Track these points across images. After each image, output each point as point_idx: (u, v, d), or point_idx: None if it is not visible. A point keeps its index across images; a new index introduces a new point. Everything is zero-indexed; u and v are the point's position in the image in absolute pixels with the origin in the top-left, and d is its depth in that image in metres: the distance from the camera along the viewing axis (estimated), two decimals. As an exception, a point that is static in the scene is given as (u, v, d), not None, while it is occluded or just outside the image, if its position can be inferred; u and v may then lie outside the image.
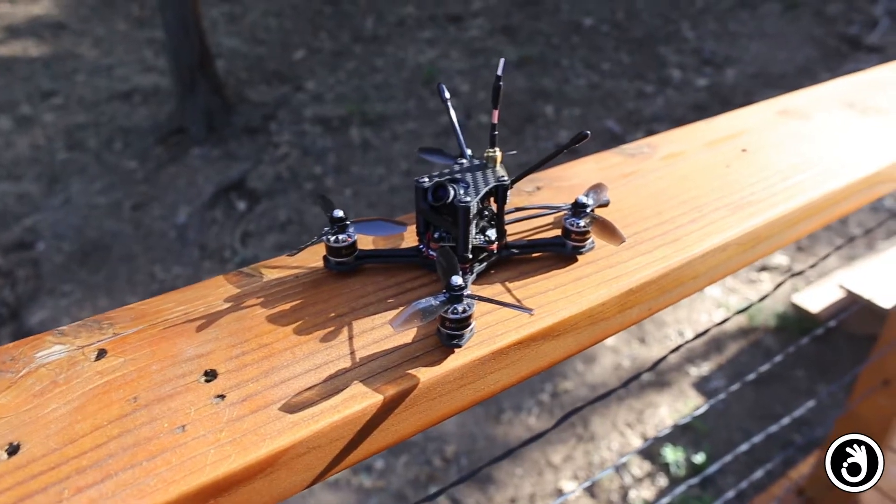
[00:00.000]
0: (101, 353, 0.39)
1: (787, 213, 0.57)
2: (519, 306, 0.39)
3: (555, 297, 0.44)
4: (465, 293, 0.37)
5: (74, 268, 3.13)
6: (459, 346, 0.38)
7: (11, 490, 0.31)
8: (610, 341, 2.57)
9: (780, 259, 2.88)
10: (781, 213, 0.56)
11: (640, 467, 2.13)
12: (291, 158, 3.67)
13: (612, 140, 3.62)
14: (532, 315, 0.41)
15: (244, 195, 3.46)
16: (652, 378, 2.42)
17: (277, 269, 0.46)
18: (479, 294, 0.39)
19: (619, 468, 2.13)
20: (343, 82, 4.29)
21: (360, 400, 0.36)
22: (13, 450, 0.33)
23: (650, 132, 3.58)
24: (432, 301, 0.37)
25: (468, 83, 4.16)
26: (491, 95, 0.44)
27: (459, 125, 0.47)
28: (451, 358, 0.38)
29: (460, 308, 0.37)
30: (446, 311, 0.37)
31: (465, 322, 0.38)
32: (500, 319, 0.41)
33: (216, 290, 0.45)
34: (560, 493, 2.07)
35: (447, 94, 0.46)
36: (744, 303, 2.67)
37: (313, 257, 0.47)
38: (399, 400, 0.37)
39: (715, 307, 2.66)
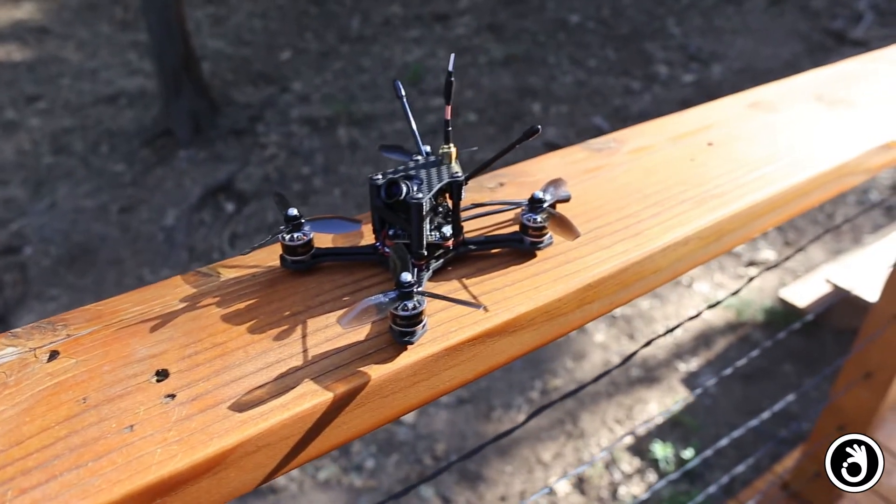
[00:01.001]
0: (54, 355, 0.39)
1: (752, 206, 0.57)
2: (471, 303, 0.39)
3: (511, 293, 0.44)
4: (415, 290, 0.37)
5: (62, 272, 3.11)
6: (411, 343, 0.38)
7: (-47, 493, 0.31)
8: (599, 337, 2.57)
9: (767, 254, 2.90)
10: (746, 205, 0.56)
11: (629, 463, 2.13)
12: (279, 159, 3.66)
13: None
14: (485, 311, 0.41)
15: (232, 197, 3.45)
16: (641, 374, 2.42)
17: (235, 268, 0.46)
18: (430, 291, 0.39)
19: (609, 464, 2.14)
20: (330, 82, 4.29)
21: (310, 398, 0.36)
22: (-42, 453, 0.33)
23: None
24: (382, 298, 0.37)
25: (455, 81, 4.15)
26: (444, 90, 0.43)
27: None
28: (403, 355, 0.38)
29: (410, 305, 0.37)
30: (396, 308, 0.37)
31: (415, 319, 0.38)
32: (455, 316, 0.41)
33: (173, 290, 0.44)
34: (551, 490, 2.08)
35: (402, 92, 0.45)
36: (732, 298, 2.68)
37: (271, 256, 0.47)
38: (350, 398, 0.37)
39: (703, 303, 2.67)
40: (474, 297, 0.43)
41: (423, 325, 0.39)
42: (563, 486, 2.09)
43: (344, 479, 2.14)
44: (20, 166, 3.75)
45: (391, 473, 2.15)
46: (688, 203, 0.55)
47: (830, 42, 4.31)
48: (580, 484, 2.09)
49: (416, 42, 4.71)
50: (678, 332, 2.59)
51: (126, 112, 4.16)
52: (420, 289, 0.38)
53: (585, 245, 0.48)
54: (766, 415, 1.14)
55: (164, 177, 3.60)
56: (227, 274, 0.46)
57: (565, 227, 0.44)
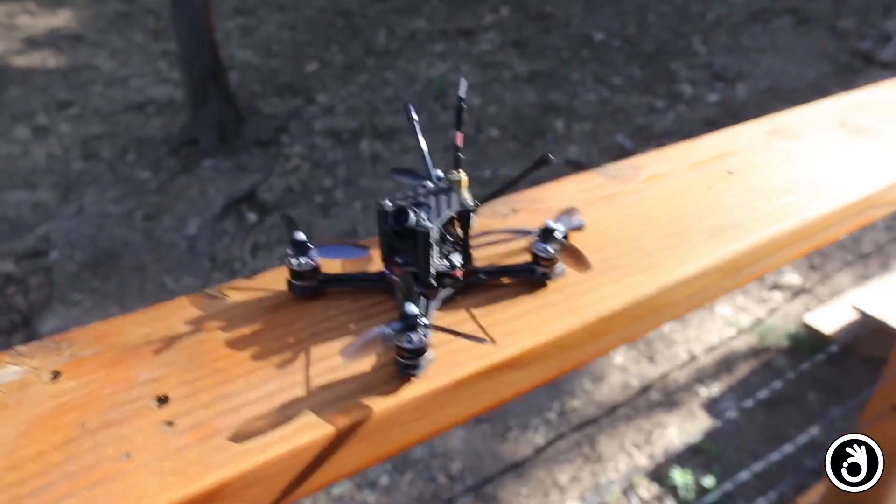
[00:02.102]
0: (56, 375, 0.39)
1: (772, 238, 0.55)
2: (477, 337, 0.38)
3: (520, 325, 0.43)
4: (420, 322, 0.36)
5: (86, 276, 3.16)
6: (415, 376, 0.38)
7: (-53, 518, 0.31)
8: (618, 359, 2.54)
9: (792, 278, 2.85)
10: (765, 237, 0.55)
11: (647, 489, 2.09)
12: (302, 171, 3.68)
13: (622, 156, 3.60)
14: (493, 345, 0.40)
15: (255, 207, 3.48)
16: (661, 398, 2.38)
17: (241, 290, 0.46)
18: (437, 324, 0.38)
19: (627, 490, 2.10)
20: (354, 95, 4.32)
21: (311, 430, 0.35)
22: (-46, 476, 0.33)
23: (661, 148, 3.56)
24: (386, 330, 0.36)
25: (479, 97, 4.17)
26: (455, 117, 0.43)
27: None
28: (406, 388, 0.38)
29: (415, 337, 0.36)
30: (401, 341, 0.36)
31: (420, 351, 0.37)
32: (462, 348, 0.40)
33: (179, 312, 0.44)
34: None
35: (415, 115, 0.45)
36: (755, 322, 2.63)
37: (278, 280, 0.46)
38: (351, 431, 0.36)
39: (725, 326, 2.63)
40: (483, 329, 0.42)
41: (428, 358, 0.38)
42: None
43: (358, 495, 2.13)
44: (50, 171, 3.82)
45: (405, 491, 2.13)
46: (705, 234, 0.54)
47: (858, 63, 4.25)
48: (596, 508, 2.06)
49: (440, 57, 4.73)
50: (699, 355, 2.55)
51: (154, 120, 4.22)
52: (425, 321, 0.37)
53: (598, 277, 0.47)
54: (789, 448, 1.11)
55: (188, 185, 3.64)
56: (234, 297, 0.45)
57: (577, 258, 0.43)
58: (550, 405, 2.36)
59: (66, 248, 3.31)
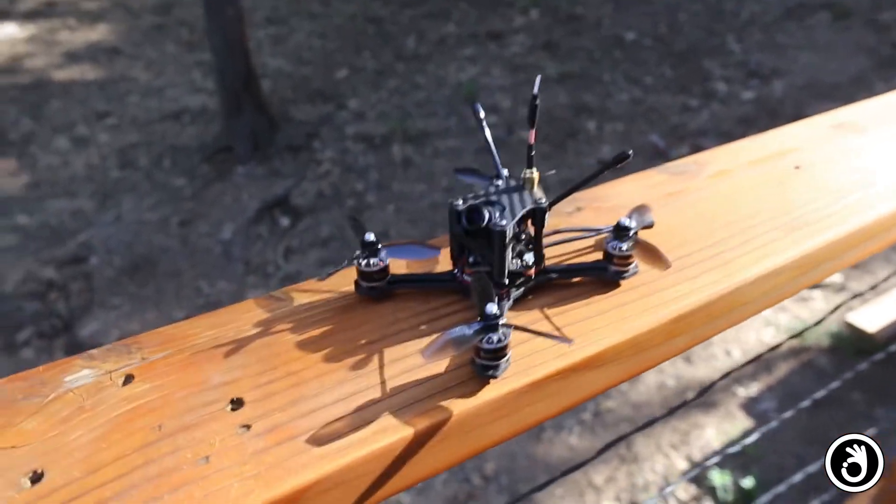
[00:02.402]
0: (129, 379, 0.39)
1: (848, 234, 0.53)
2: (557, 336, 0.37)
3: (597, 324, 0.41)
4: (500, 322, 0.35)
5: (124, 282, 3.21)
6: (495, 378, 0.36)
7: (32, 522, 0.31)
8: (655, 361, 2.50)
9: (833, 276, 2.78)
10: (839, 234, 0.53)
11: (685, 490, 2.05)
12: (334, 175, 3.71)
13: (656, 156, 3.56)
14: (571, 345, 0.39)
15: (287, 212, 3.51)
16: (698, 399, 2.34)
17: (308, 292, 0.45)
18: (515, 323, 0.37)
19: (664, 492, 2.06)
20: (385, 100, 4.33)
21: (391, 433, 0.34)
22: (36, 478, 0.32)
23: (695, 147, 3.51)
24: (466, 330, 0.35)
25: (509, 99, 4.15)
26: (529, 113, 0.42)
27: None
28: (485, 389, 0.37)
29: (495, 338, 0.35)
30: (481, 341, 0.35)
31: (500, 352, 0.36)
32: (538, 349, 0.39)
33: (246, 315, 0.44)
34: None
35: (482, 114, 0.44)
36: (794, 321, 2.57)
37: (344, 281, 0.46)
38: (431, 433, 0.35)
39: (763, 326, 2.57)
40: (558, 329, 0.41)
41: (507, 359, 0.37)
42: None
43: (392, 497, 2.12)
44: (89, 180, 3.90)
45: (439, 492, 2.12)
46: (778, 231, 0.52)
47: (901, 57, 4.14)
48: (636, 512, 2.02)
49: (470, 60, 4.73)
50: (737, 355, 2.50)
51: (189, 129, 4.29)
52: (504, 321, 0.36)
53: (671, 275, 0.46)
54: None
55: (222, 191, 3.69)
56: (301, 299, 0.45)
57: (654, 256, 0.42)
58: (585, 405, 2.33)
59: (104, 255, 3.37)
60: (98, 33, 5.78)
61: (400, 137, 3.91)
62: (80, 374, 0.39)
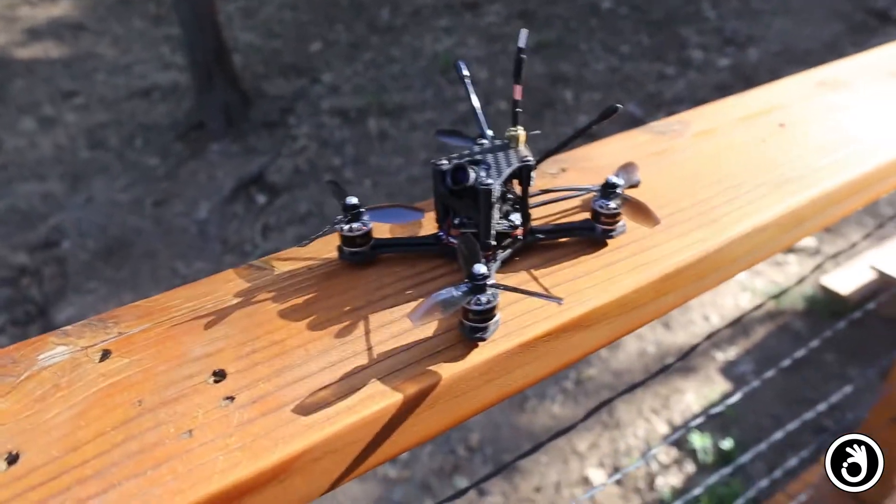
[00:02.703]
0: (106, 354, 0.37)
1: (832, 190, 0.53)
2: (547, 295, 0.36)
3: (585, 284, 0.41)
4: (488, 283, 0.34)
5: (99, 265, 3.15)
6: (483, 340, 0.36)
7: (9, 503, 0.29)
8: (635, 328, 2.52)
9: (807, 241, 2.81)
10: (825, 189, 0.52)
11: (666, 454, 2.09)
12: (310, 151, 3.66)
13: (632, 124, 3.55)
14: (561, 304, 0.38)
15: (264, 189, 3.46)
16: (678, 363, 2.37)
17: (289, 261, 0.44)
18: (503, 283, 0.36)
19: (645, 454, 2.10)
20: (360, 73, 4.27)
21: (379, 399, 0.33)
22: (12, 459, 0.31)
23: (672, 115, 3.51)
24: (453, 292, 0.34)
25: (486, 70, 4.11)
26: (514, 68, 0.40)
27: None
28: (474, 352, 0.36)
29: (483, 299, 0.34)
30: (469, 303, 0.34)
31: (489, 314, 0.35)
32: (527, 310, 0.38)
33: (226, 285, 0.42)
34: (586, 480, 2.05)
35: (465, 71, 0.43)
36: (770, 286, 2.61)
37: (327, 248, 0.44)
38: (420, 398, 0.34)
39: (740, 290, 2.60)
40: (546, 290, 0.40)
41: (496, 321, 0.36)
42: (599, 477, 2.06)
43: (378, 469, 2.13)
44: (58, 161, 3.80)
45: (425, 464, 2.13)
46: (763, 188, 0.51)
47: (873, 22, 4.16)
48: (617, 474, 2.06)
49: (445, 31, 4.67)
50: (715, 320, 2.53)
51: (159, 106, 4.19)
52: (492, 282, 0.35)
53: (659, 233, 0.45)
54: (822, 407, 1.09)
55: (196, 170, 3.62)
56: (282, 267, 0.43)
57: (643, 213, 0.41)
58: (567, 373, 2.35)
59: (77, 238, 3.30)
60: (60, 9, 5.60)
61: (376, 111, 3.86)
62: (54, 351, 0.38)
